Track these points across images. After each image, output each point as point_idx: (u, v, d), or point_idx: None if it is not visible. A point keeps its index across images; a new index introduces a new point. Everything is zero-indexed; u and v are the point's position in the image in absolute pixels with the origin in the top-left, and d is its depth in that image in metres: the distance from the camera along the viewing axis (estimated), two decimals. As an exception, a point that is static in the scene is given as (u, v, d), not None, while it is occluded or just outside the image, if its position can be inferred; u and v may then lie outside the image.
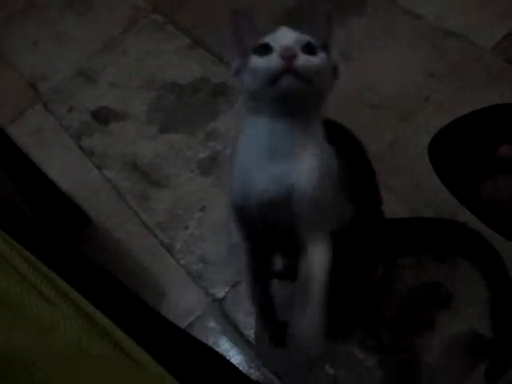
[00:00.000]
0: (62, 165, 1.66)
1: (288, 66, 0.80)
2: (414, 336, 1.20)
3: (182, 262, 1.42)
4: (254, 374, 1.21)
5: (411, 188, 1.37)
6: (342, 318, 1.23)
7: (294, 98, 0.83)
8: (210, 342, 1.26)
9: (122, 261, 1.43)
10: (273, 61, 0.81)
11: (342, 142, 1.03)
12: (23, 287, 0.52)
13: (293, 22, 1.79)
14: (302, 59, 0.80)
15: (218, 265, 1.39)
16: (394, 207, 1.27)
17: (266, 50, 0.82)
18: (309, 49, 0.82)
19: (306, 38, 0.83)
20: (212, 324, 1.31)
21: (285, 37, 0.84)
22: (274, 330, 1.18)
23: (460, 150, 1.03)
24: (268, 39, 0.84)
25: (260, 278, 1.13)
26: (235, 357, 1.24)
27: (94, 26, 2.04)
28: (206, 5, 1.95)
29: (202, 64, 1.81)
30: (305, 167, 0.87)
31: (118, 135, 1.71)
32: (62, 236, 1.07)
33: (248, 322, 1.29)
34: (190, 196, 1.52)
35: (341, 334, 1.23)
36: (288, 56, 0.80)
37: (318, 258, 0.93)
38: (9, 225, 0.70)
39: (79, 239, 1.46)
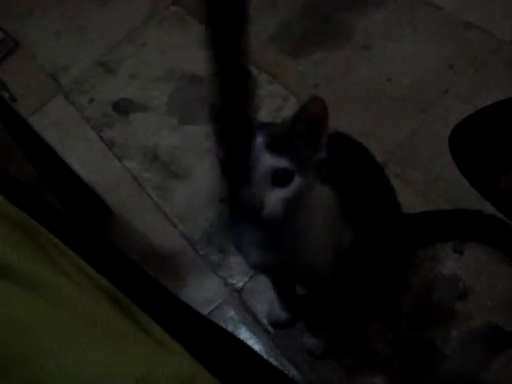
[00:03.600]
0: (84, 155, 1.68)
1: (252, 220, 0.77)
2: (432, 327, 1.21)
3: (202, 252, 1.43)
4: (272, 363, 1.22)
5: (431, 180, 1.37)
6: (359, 309, 1.24)
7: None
8: (229, 331, 1.27)
9: (142, 251, 1.45)
10: (242, 205, 0.76)
11: (351, 156, 1.04)
12: (52, 270, 0.54)
13: (312, 14, 1.80)
14: (267, 209, 0.75)
15: (237, 255, 1.39)
16: (412, 199, 1.27)
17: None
18: (283, 177, 0.76)
19: (282, 164, 0.76)
20: (231, 313, 1.32)
21: (261, 166, 0.76)
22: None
23: (480, 141, 1.02)
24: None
25: (286, 293, 1.21)
26: (254, 346, 1.26)
27: (115, 17, 2.05)
28: (226, -4, 1.95)
29: (221, 56, 1.81)
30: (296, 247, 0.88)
31: (138, 126, 1.73)
32: (85, 225, 1.09)
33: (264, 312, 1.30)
34: (210, 187, 1.53)
35: (358, 324, 1.24)
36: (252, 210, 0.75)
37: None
38: (34, 211, 0.72)
39: (100, 229, 1.48)
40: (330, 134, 0.95)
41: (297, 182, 0.76)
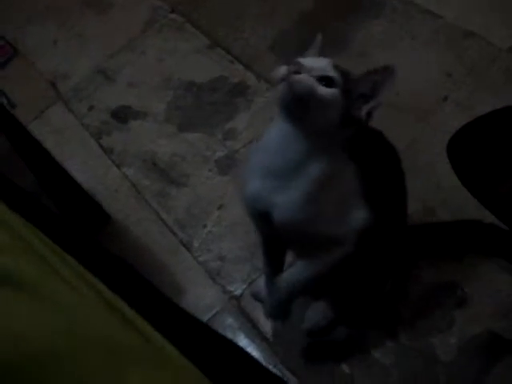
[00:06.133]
0: (83, 162, 1.68)
1: (285, 77, 0.84)
2: (432, 335, 1.20)
3: (200, 259, 1.43)
4: (271, 370, 1.21)
5: (430, 188, 1.38)
6: (358, 317, 1.24)
7: (287, 105, 0.89)
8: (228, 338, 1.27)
9: (141, 258, 1.45)
10: (283, 70, 0.85)
11: (378, 152, 1.05)
12: (53, 278, 0.54)
13: (309, 23, 1.81)
14: (300, 77, 0.83)
15: (236, 262, 1.40)
16: (411, 208, 1.26)
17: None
18: (325, 81, 0.85)
19: (331, 72, 0.85)
20: (230, 321, 1.32)
21: (313, 60, 0.88)
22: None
23: (479, 149, 1.03)
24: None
25: (274, 260, 1.15)
26: (252, 353, 1.25)
27: (114, 25, 2.06)
28: (225, 5, 1.96)
29: (220, 63, 1.82)
30: (291, 196, 0.89)
31: (137, 134, 1.73)
32: (84, 232, 1.09)
33: (265, 319, 1.29)
34: (209, 194, 1.53)
35: (358, 332, 1.23)
36: (292, 70, 0.83)
37: (289, 275, 1.03)
38: (34, 218, 0.72)
39: (99, 236, 1.48)
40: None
41: (331, 91, 0.84)
